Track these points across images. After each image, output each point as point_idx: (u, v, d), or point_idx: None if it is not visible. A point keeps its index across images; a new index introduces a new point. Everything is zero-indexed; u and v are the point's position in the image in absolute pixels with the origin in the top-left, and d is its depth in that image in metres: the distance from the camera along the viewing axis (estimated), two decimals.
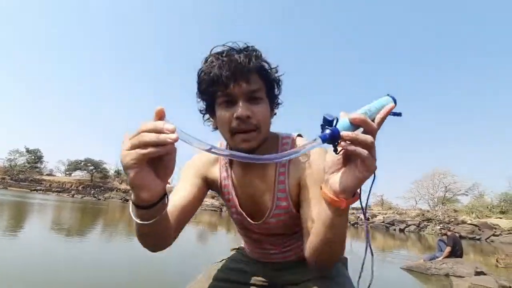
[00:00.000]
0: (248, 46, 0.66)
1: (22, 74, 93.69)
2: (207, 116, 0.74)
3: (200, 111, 0.74)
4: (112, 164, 50.49)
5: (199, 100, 0.72)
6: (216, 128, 0.73)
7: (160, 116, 0.41)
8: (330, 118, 0.45)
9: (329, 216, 0.51)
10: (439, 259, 5.28)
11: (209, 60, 0.65)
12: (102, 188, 43.60)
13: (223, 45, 0.66)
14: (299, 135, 0.78)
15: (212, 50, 0.66)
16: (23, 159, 47.76)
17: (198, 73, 0.67)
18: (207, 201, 40.30)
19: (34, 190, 37.90)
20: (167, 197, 0.50)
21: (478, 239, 14.80)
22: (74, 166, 48.23)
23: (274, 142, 0.76)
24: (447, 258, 5.27)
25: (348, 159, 0.47)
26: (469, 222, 18.45)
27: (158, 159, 0.42)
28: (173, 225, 0.63)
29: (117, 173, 50.36)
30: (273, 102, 0.72)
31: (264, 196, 0.74)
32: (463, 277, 4.32)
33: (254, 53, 0.65)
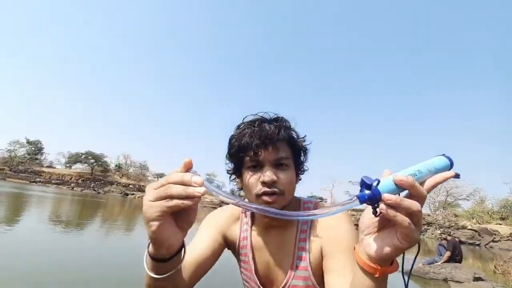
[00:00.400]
0: (278, 117, 0.72)
1: (32, 61, 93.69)
2: (233, 176, 0.76)
3: (228, 171, 0.76)
4: (113, 158, 50.66)
5: (227, 162, 0.75)
6: (241, 188, 0.75)
7: (188, 167, 0.41)
8: (369, 182, 0.39)
9: (362, 281, 0.45)
10: (438, 263, 5.24)
11: (241, 127, 0.71)
12: (102, 181, 43.72)
13: (255, 114, 0.73)
14: (321, 200, 0.77)
15: (244, 118, 0.72)
16: (23, 150, 47.93)
17: (230, 138, 0.72)
18: (207, 198, 40.60)
19: (33, 181, 38.07)
20: (185, 250, 0.48)
21: (478, 245, 14.72)
22: (75, 158, 48.41)
23: (297, 205, 0.77)
24: (446, 263, 5.22)
25: (388, 221, 0.41)
26: (469, 227, 18.36)
27: (180, 210, 0.41)
28: (186, 280, 0.63)
29: (118, 167, 50.58)
30: (299, 168, 0.74)
31: (282, 262, 0.72)
32: (462, 282, 4.31)
33: (284, 123, 0.70)
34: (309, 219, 0.52)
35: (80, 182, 41.98)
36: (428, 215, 25.58)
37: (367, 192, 0.38)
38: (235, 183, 0.77)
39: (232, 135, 0.72)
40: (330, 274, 0.63)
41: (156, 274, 0.46)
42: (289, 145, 0.70)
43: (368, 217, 0.43)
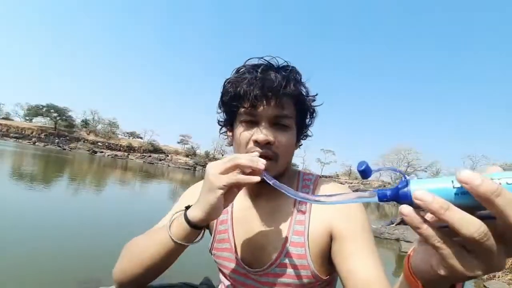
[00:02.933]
0: (288, 66, 0.59)
1: None
2: (224, 129, 0.67)
3: (218, 122, 0.66)
4: (79, 113, 47.22)
5: (219, 110, 0.65)
6: (231, 144, 0.65)
7: None
8: (401, 184, 0.28)
9: None
10: (393, 225, 5.82)
11: (240, 71, 0.59)
12: (68, 137, 41.19)
13: (261, 58, 0.59)
14: (321, 176, 0.69)
15: (247, 61, 0.60)
16: None
17: (224, 82, 0.60)
18: (181, 159, 40.30)
19: None
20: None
21: None
22: (35, 111, 44.46)
23: (294, 177, 0.67)
24: (400, 225, 5.85)
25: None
26: None
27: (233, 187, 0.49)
28: None
29: (85, 123, 47.51)
30: (301, 132, 0.64)
31: (272, 237, 0.59)
32: (411, 242, 4.83)
33: (294, 75, 0.58)
34: (317, 203, 0.40)
35: (42, 137, 39.10)
36: (389, 183, 27.88)
37: (389, 192, 0.30)
38: (225, 137, 0.67)
39: (227, 79, 0.59)
40: (351, 258, 0.52)
41: (185, 242, 0.50)
42: (295, 103, 0.58)
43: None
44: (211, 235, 0.69)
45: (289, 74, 0.56)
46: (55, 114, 43.52)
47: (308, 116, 0.63)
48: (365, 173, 0.34)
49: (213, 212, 0.49)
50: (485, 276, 3.28)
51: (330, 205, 0.57)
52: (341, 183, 0.75)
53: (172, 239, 0.50)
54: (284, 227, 0.59)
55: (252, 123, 0.57)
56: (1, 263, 1.72)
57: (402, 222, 5.98)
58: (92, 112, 50.20)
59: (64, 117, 44.13)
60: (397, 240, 5.06)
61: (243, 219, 0.64)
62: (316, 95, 0.63)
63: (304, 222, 0.58)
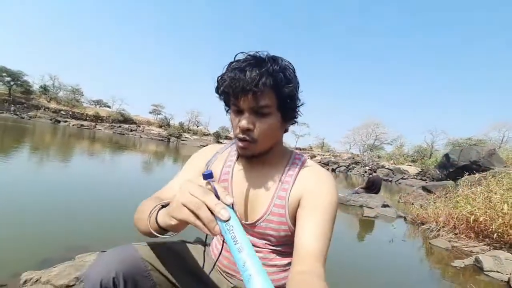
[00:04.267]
0: (264, 60, 0.66)
1: None
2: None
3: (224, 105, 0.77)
4: (36, 78, 42.60)
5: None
6: None
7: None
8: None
9: None
10: (357, 194, 6.44)
11: (228, 69, 0.67)
12: (25, 105, 37.38)
13: (245, 53, 0.68)
14: (311, 157, 0.76)
15: (236, 56, 0.69)
16: None
17: (217, 77, 0.70)
18: (154, 130, 38.86)
19: None
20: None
21: (390, 181, 17.85)
22: None
23: (286, 157, 0.80)
24: (365, 193, 6.50)
25: None
26: (387, 166, 22.01)
27: None
28: None
29: (44, 89, 43.17)
30: (286, 115, 0.72)
31: (261, 198, 0.75)
32: (373, 208, 5.44)
33: (272, 67, 0.65)
34: None
35: None
36: (357, 155, 29.59)
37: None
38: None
39: (218, 76, 0.70)
40: (303, 225, 0.67)
41: (159, 234, 0.58)
42: (274, 91, 0.66)
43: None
44: None
45: (265, 68, 0.64)
46: (8, 79, 38.81)
47: (290, 101, 0.69)
48: (206, 176, 0.49)
49: (172, 229, 0.55)
50: (431, 235, 3.76)
51: (310, 180, 0.73)
52: (314, 156, 0.88)
53: (149, 228, 0.59)
54: (271, 191, 0.74)
55: (239, 112, 0.69)
56: None
57: (367, 192, 6.61)
58: (51, 77, 45.37)
59: (19, 82, 39.58)
60: (361, 206, 5.57)
61: (241, 179, 0.78)
62: (297, 84, 0.71)
63: (287, 189, 0.73)
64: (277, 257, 0.76)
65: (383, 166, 21.81)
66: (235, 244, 0.42)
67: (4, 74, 38.73)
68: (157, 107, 49.50)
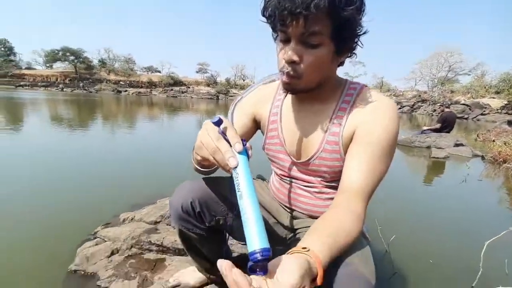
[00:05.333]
0: None
1: None
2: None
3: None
4: (94, 53, 46.56)
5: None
6: None
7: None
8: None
9: None
10: (426, 134, 5.56)
11: None
12: (90, 80, 41.90)
13: None
14: (369, 87, 0.72)
15: None
16: None
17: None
18: (202, 89, 40.17)
19: (19, 86, 36.23)
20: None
21: (466, 118, 15.59)
22: (52, 57, 44.48)
23: (339, 89, 0.71)
24: (434, 133, 5.52)
25: None
26: (462, 102, 19.00)
27: None
28: None
29: (102, 62, 47.30)
30: (341, 46, 0.60)
31: (313, 136, 0.72)
32: (443, 148, 4.65)
33: None
34: (239, 100, 0.58)
35: (67, 82, 40.17)
36: (425, 92, 25.96)
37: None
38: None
39: None
40: (348, 164, 0.64)
41: (201, 168, 0.65)
42: (330, 17, 0.54)
43: None
44: (263, 134, 0.82)
45: None
46: (72, 57, 43.33)
47: (348, 29, 0.57)
48: (215, 124, 0.48)
49: (203, 164, 0.61)
50: None
51: (366, 113, 0.65)
52: None
53: (193, 163, 0.66)
54: (323, 127, 0.70)
55: (286, 41, 0.60)
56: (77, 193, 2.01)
57: (435, 132, 5.66)
58: (106, 50, 49.09)
59: (81, 59, 43.90)
60: (428, 147, 4.87)
61: (290, 118, 0.75)
62: (362, 5, 0.57)
63: (341, 124, 0.67)
64: (332, 190, 0.76)
65: (457, 102, 18.88)
66: (237, 191, 0.43)
67: (68, 53, 43.30)
68: (202, 66, 50.13)
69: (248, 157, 0.47)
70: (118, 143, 4.41)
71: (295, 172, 0.78)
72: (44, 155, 3.19)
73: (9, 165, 2.71)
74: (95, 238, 1.37)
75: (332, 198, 0.74)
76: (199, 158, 0.53)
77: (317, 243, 0.46)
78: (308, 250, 0.44)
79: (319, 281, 0.41)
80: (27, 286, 1.08)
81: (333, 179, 0.74)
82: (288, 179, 0.81)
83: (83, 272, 1.14)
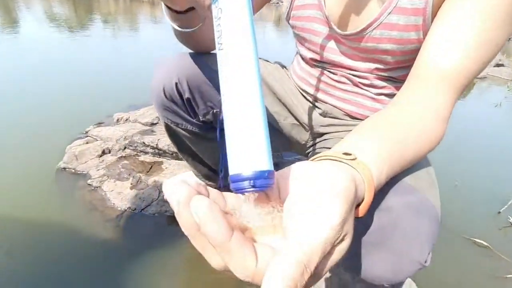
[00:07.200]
0: None
1: None
2: None
3: None
4: None
5: None
6: None
7: None
8: None
9: None
10: None
11: None
12: None
13: None
14: None
15: None
16: None
17: None
18: None
19: None
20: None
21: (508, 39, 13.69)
22: None
23: None
24: None
25: None
26: None
27: None
28: None
29: None
30: None
31: None
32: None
33: None
34: None
35: None
36: None
37: None
38: None
39: None
40: (443, 33, 0.36)
41: (179, 27, 0.42)
42: None
43: None
44: None
45: None
46: None
47: None
48: None
49: (174, 3, 0.35)
50: None
51: None
52: None
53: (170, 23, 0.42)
54: None
55: None
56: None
57: None
58: None
59: None
60: None
61: None
62: None
63: None
64: (388, 84, 0.51)
65: None
66: (218, 43, 0.21)
67: None
68: None
69: None
70: (120, 42, 3.97)
71: (334, 53, 0.51)
72: (37, 56, 2.89)
73: None
74: (86, 137, 1.24)
75: (387, 95, 0.53)
76: None
77: (369, 150, 0.26)
78: (355, 160, 0.24)
79: (361, 212, 0.23)
80: (16, 184, 0.99)
81: (397, 66, 0.48)
82: (321, 64, 0.55)
83: (73, 170, 1.04)
